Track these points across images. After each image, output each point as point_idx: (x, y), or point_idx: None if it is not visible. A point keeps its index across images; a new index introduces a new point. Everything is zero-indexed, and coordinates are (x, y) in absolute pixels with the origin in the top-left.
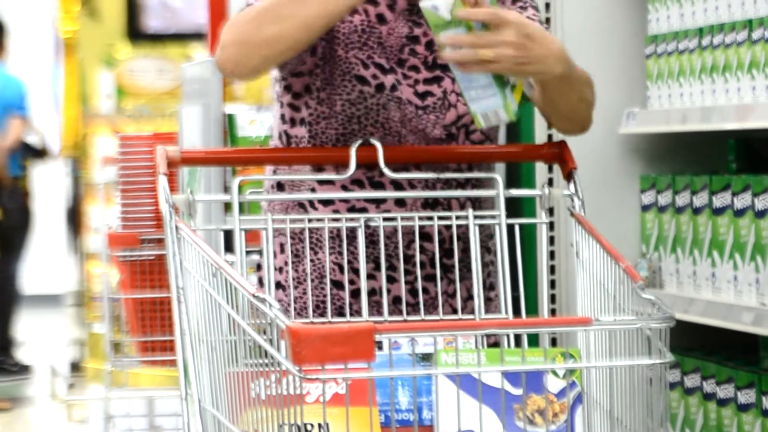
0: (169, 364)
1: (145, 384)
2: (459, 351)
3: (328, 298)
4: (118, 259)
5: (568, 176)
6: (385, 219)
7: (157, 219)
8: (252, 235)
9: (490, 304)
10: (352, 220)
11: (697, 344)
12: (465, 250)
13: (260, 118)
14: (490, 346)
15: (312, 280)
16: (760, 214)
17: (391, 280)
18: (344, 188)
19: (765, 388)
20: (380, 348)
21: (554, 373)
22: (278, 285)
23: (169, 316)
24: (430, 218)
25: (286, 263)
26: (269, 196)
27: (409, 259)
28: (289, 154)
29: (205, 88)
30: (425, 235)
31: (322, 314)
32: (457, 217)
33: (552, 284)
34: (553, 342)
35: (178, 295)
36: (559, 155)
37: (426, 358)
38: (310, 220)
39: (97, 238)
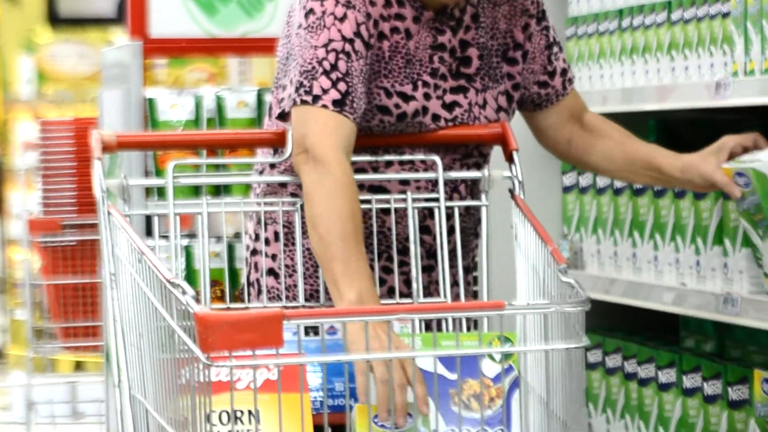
0: (92, 349)
1: (67, 370)
2: (397, 335)
3: (322, 287)
4: (40, 244)
5: (510, 158)
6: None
7: (79, 204)
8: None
9: (469, 288)
10: (289, 204)
11: (619, 324)
12: (454, 236)
13: (181, 102)
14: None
15: (307, 269)
16: (679, 195)
17: (387, 270)
18: None
19: (685, 367)
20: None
21: (491, 357)
22: (271, 272)
23: (92, 302)
24: (395, 201)
25: (280, 251)
26: (203, 180)
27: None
28: (226, 137)
29: (126, 73)
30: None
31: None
32: (400, 200)
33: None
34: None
35: (111, 281)
36: (500, 136)
37: None
38: (260, 204)
39: (18, 224)
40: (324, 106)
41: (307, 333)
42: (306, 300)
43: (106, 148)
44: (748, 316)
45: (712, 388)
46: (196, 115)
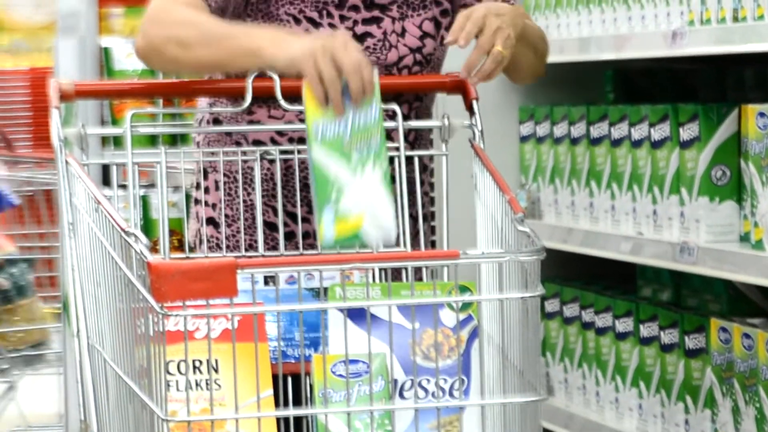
0: (51, 300)
1: None
2: (354, 285)
3: (260, 238)
4: None
5: (470, 107)
6: (281, 152)
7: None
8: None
9: (428, 237)
10: (248, 153)
11: (576, 274)
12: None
13: None
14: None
15: (246, 219)
16: (636, 144)
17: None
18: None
19: (642, 316)
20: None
21: (450, 306)
22: (210, 221)
23: (53, 252)
24: None
25: (220, 200)
26: (161, 129)
27: None
28: (183, 86)
29: (81, 22)
30: None
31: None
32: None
33: (432, 215)
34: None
35: (69, 231)
36: (461, 85)
37: (325, 292)
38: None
39: None
40: None
41: (267, 282)
42: (245, 250)
43: (64, 96)
44: (704, 265)
45: (668, 336)
46: None
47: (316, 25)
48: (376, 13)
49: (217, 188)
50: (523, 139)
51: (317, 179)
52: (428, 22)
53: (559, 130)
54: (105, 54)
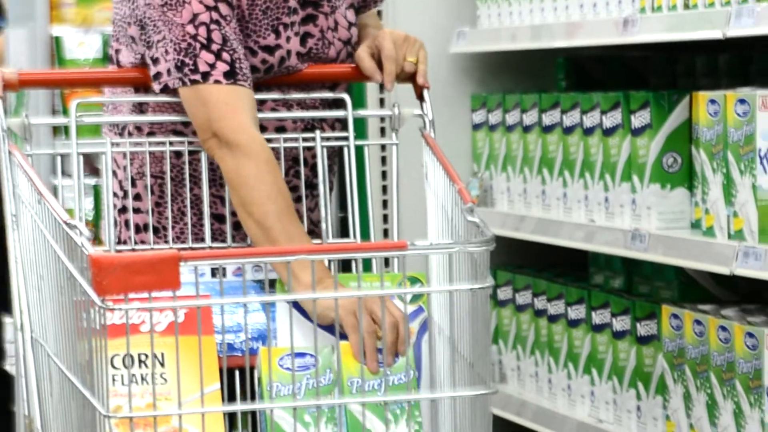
0: None
1: None
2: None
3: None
4: None
5: (420, 96)
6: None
7: None
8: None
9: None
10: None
11: (528, 261)
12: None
13: (88, 41)
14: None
15: (183, 214)
16: (588, 132)
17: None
18: None
19: (594, 303)
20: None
21: (400, 298)
22: (146, 227)
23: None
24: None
25: (156, 204)
26: (108, 118)
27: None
28: (130, 75)
29: (31, 10)
30: (297, 160)
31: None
32: (306, 139)
33: (384, 205)
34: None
35: (12, 222)
36: (411, 74)
37: (272, 284)
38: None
39: None
40: (217, 81)
41: (214, 274)
42: (172, 241)
43: (8, 86)
44: (656, 252)
45: (620, 323)
46: (104, 53)
47: (271, 51)
48: (309, 10)
49: (152, 192)
50: (476, 127)
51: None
52: (350, 11)
53: (512, 117)
54: (56, 43)
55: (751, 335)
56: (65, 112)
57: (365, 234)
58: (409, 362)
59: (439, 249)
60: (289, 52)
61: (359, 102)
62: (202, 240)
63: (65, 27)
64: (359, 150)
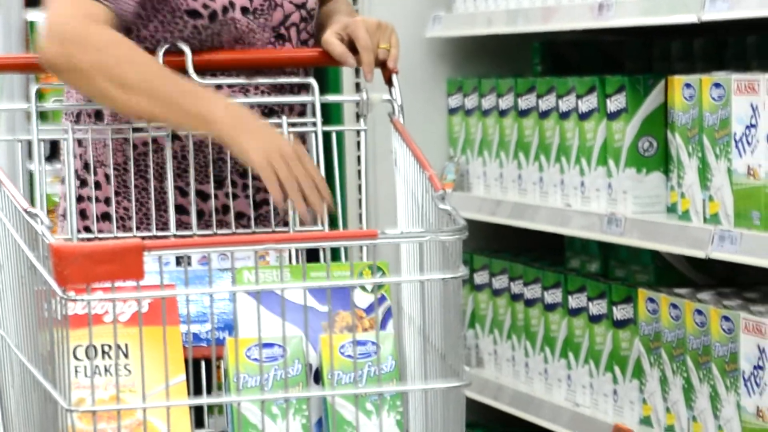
0: None
1: None
2: (265, 268)
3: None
4: None
5: (389, 81)
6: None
7: None
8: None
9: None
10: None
11: (505, 246)
12: None
13: None
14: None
15: (146, 202)
16: (564, 116)
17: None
18: None
19: (571, 288)
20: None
21: (362, 288)
22: (106, 216)
23: None
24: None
25: (116, 193)
26: (71, 103)
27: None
28: None
29: None
30: None
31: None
32: (273, 125)
33: (359, 190)
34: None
35: None
36: (383, 60)
37: None
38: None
39: None
40: None
41: (179, 263)
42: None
43: None
44: (632, 236)
45: (597, 307)
46: None
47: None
48: None
49: (108, 181)
50: (452, 111)
51: (338, 423)
52: None
53: (487, 102)
54: (30, 28)
55: (727, 319)
56: (41, 97)
57: (334, 222)
58: (391, 353)
59: (410, 238)
60: (232, 3)
61: (335, 87)
62: (164, 228)
63: (40, 11)
64: (327, 136)
